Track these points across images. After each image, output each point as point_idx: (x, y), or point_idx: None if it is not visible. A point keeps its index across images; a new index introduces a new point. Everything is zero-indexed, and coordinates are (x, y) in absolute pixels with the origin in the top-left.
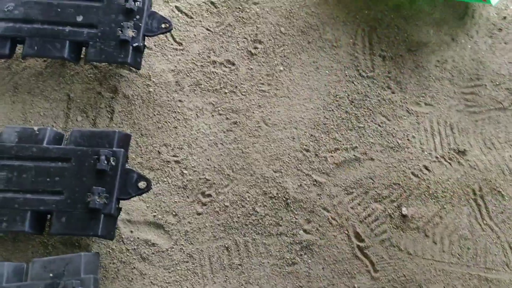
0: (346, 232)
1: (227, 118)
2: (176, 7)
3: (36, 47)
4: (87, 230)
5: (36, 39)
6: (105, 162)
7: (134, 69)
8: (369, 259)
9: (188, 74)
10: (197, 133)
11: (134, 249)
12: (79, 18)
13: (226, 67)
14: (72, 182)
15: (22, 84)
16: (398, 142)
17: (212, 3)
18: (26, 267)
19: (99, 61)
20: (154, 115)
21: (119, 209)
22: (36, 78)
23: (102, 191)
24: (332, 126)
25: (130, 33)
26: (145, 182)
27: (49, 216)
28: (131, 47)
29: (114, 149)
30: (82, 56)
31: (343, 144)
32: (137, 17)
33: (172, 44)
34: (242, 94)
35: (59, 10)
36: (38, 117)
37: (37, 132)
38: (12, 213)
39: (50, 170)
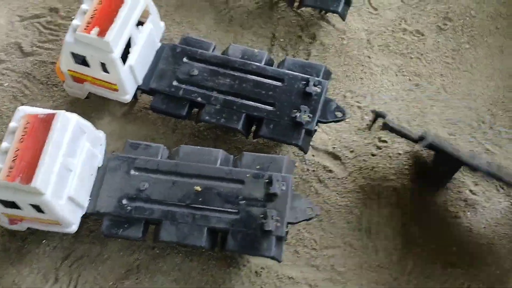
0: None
1: (409, 80)
2: None
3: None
4: (290, 137)
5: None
6: (314, 86)
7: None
8: None
9: (379, 35)
10: (381, 87)
11: (314, 170)
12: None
13: (415, 36)
14: (282, 97)
15: (236, 18)
16: None
17: None
18: (233, 158)
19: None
20: (344, 64)
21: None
22: (248, 15)
23: (306, 116)
24: (510, 106)
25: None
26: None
27: (254, 126)
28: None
29: (320, 79)
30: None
31: None
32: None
33: (368, 8)
34: (426, 62)
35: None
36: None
37: (257, 54)
38: (230, 112)
39: (266, 85)
